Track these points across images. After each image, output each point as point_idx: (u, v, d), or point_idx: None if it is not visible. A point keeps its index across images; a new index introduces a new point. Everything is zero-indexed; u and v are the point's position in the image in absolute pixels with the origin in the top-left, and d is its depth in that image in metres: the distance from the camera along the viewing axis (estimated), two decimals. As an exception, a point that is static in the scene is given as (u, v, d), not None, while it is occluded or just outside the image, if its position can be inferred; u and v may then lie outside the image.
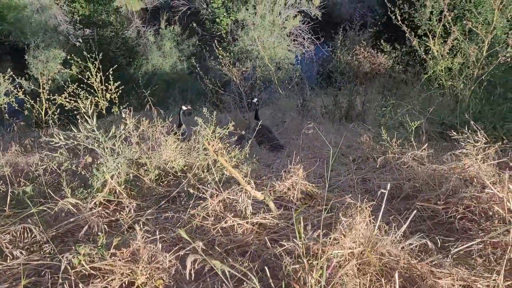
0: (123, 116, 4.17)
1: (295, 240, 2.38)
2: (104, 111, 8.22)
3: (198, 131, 4.25)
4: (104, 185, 3.37)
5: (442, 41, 5.53)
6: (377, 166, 3.84)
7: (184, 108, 6.51)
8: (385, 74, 11.08)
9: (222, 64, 8.64)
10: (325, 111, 8.75)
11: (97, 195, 3.22)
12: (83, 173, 3.39)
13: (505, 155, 4.00)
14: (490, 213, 2.69)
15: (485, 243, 2.48)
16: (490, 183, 2.90)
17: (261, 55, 9.92)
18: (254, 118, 6.96)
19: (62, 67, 12.82)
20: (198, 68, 8.84)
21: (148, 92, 10.83)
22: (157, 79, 13.97)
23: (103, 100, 8.21)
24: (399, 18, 5.07)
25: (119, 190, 3.28)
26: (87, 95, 7.99)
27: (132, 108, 9.04)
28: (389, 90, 7.37)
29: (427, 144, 4.18)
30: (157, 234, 2.50)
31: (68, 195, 3.16)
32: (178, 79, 14.35)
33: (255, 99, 7.06)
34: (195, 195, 3.10)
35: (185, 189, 3.36)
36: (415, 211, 2.64)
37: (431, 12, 8.28)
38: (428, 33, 5.18)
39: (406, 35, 5.41)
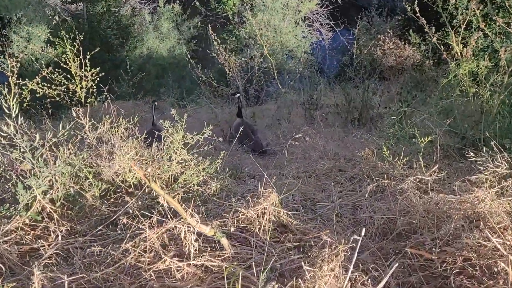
0: (74, 114, 3.94)
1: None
2: (83, 100, 8.02)
3: (164, 137, 4.01)
4: (39, 201, 3.14)
5: (476, 36, 5.12)
6: (368, 194, 3.54)
7: (157, 104, 6.43)
8: (414, 70, 10.68)
9: (218, 53, 8.36)
10: (337, 111, 8.43)
11: (23, 215, 2.99)
12: (7, 186, 3.16)
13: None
14: (495, 270, 2.37)
15: (483, 312, 2.16)
16: (499, 228, 2.57)
17: (260, 43, 9.59)
18: (236, 115, 6.91)
19: (42, 46, 12.70)
20: (191, 55, 8.62)
21: (138, 78, 10.62)
22: (152, 63, 13.74)
23: (81, 88, 7.99)
24: (417, 9, 4.69)
25: (49, 209, 3.04)
26: (65, 81, 7.81)
27: (114, 97, 8.79)
28: (408, 92, 6.99)
29: (437, 165, 3.86)
30: (68, 276, 2.24)
31: (-14, 214, 2.94)
32: (176, 64, 14.09)
33: (238, 94, 6.90)
34: (136, 222, 2.83)
35: (130, 211, 3.10)
36: (396, 265, 2.33)
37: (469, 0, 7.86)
38: (451, 29, 4.80)
39: (426, 29, 5.04)
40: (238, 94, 7.08)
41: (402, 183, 3.52)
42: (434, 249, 2.63)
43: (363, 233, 2.31)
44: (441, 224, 2.86)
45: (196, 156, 3.93)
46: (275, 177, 3.81)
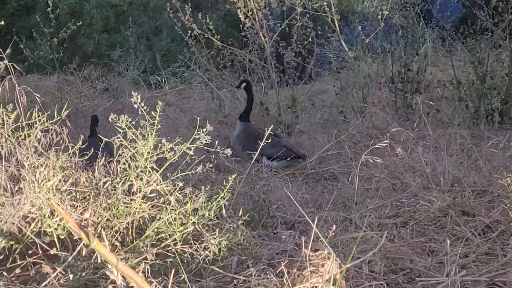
0: None
1: None
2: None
3: (120, 149, 4.07)
4: None
5: None
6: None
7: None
8: None
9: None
10: (458, 96, 8.43)
11: None
12: None
13: None
14: None
15: None
16: None
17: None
18: (239, 119, 7.49)
19: None
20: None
21: (70, 32, 10.74)
22: (96, 3, 13.90)
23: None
24: None
25: None
26: None
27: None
28: None
29: None
30: None
31: None
32: (142, 4, 14.25)
33: (244, 83, 7.49)
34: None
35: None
36: None
37: None
38: None
39: None
40: (244, 83, 7.55)
41: None
42: None
43: None
44: None
45: (181, 184, 3.97)
46: (334, 226, 3.82)
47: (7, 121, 4.13)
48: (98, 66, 11.74)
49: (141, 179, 3.86)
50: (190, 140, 3.92)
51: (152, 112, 3.86)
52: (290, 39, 8.69)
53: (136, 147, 3.87)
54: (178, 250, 3.68)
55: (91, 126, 7.10)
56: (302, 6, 8.62)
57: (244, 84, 7.54)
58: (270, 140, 6.17)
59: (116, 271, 2.67)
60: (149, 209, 3.85)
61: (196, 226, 3.83)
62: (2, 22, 7.66)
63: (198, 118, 4.23)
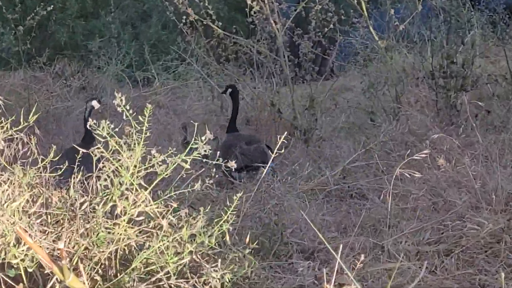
0: None
1: None
2: None
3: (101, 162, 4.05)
4: None
5: None
6: None
7: (95, 105, 6.59)
8: None
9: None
10: (512, 93, 8.43)
11: None
12: None
13: None
14: None
15: None
16: None
17: None
18: (226, 131, 7.73)
19: None
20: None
21: (39, 19, 10.81)
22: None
23: None
24: None
25: None
26: None
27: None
28: None
29: None
30: None
31: None
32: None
33: (229, 90, 7.71)
34: None
35: None
36: None
37: None
38: None
39: None
40: (230, 89, 7.79)
41: None
42: None
43: None
44: None
45: (176, 205, 3.97)
46: (363, 255, 3.81)
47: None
48: (73, 60, 11.77)
49: (127, 198, 3.85)
50: (186, 151, 3.90)
51: (140, 116, 3.85)
52: (307, 26, 8.68)
53: (120, 160, 3.86)
54: (172, 286, 3.68)
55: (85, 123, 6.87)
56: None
57: (229, 90, 7.73)
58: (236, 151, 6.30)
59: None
60: (136, 236, 3.84)
61: (194, 256, 3.82)
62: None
63: (196, 124, 4.21)
